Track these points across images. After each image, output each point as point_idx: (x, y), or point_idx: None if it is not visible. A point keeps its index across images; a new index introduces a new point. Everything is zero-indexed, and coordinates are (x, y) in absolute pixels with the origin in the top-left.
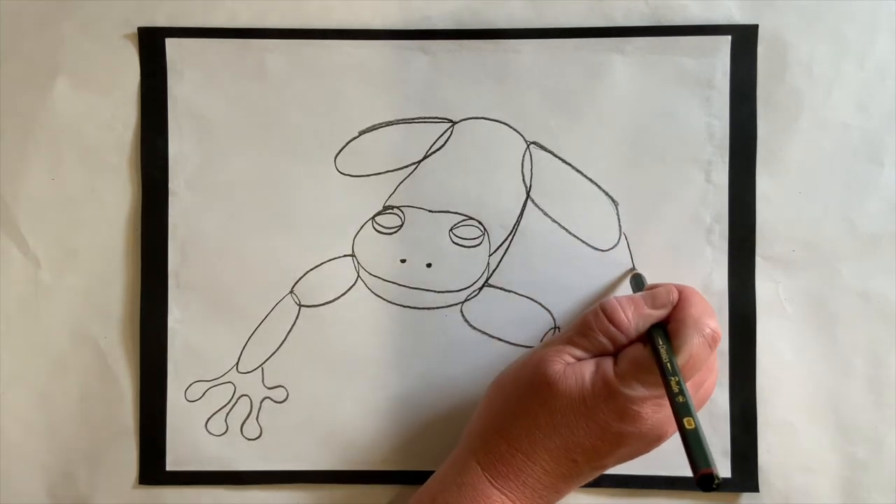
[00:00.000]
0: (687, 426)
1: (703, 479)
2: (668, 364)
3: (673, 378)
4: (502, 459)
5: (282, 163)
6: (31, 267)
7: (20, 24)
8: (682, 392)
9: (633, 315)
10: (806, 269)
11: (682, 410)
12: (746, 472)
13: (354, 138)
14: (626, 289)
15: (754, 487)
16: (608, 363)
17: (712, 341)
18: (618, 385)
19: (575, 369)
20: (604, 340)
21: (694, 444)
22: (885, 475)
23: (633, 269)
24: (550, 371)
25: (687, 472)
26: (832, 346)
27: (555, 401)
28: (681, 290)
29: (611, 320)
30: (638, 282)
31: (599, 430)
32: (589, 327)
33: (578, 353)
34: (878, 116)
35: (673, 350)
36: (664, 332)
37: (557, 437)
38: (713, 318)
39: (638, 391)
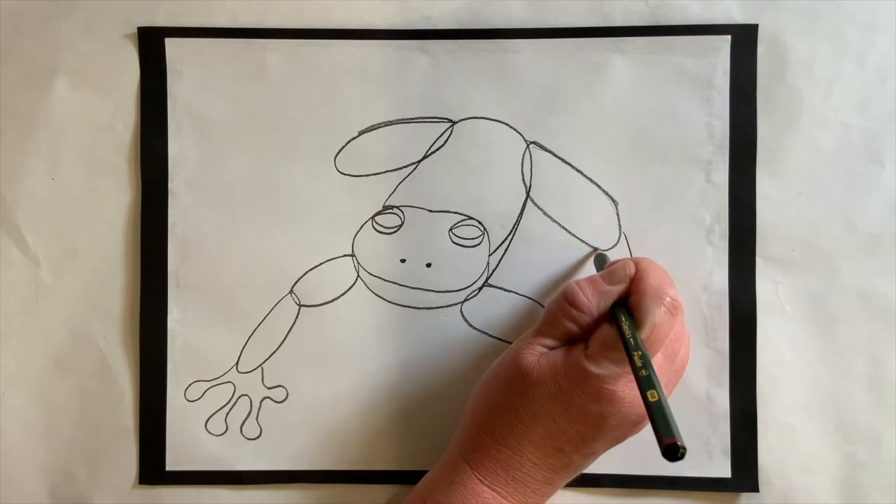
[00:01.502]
0: (650, 399)
1: (668, 449)
2: (631, 339)
3: (636, 353)
4: (489, 456)
5: (282, 163)
6: (31, 267)
7: (20, 23)
8: (644, 366)
9: (593, 294)
10: (806, 269)
11: (645, 383)
12: (746, 472)
13: (354, 138)
14: (590, 269)
15: (754, 487)
16: (579, 347)
17: (673, 309)
18: (589, 366)
19: (548, 358)
20: (570, 325)
21: (658, 416)
22: (884, 475)
23: (596, 249)
24: (525, 363)
25: (688, 471)
26: (832, 346)
27: (532, 391)
28: (638, 263)
29: (572, 304)
30: (601, 261)
31: (579, 414)
32: (554, 315)
33: (549, 342)
34: (878, 116)
35: (636, 323)
36: (626, 307)
37: (540, 428)
38: (672, 286)
39: (609, 369)
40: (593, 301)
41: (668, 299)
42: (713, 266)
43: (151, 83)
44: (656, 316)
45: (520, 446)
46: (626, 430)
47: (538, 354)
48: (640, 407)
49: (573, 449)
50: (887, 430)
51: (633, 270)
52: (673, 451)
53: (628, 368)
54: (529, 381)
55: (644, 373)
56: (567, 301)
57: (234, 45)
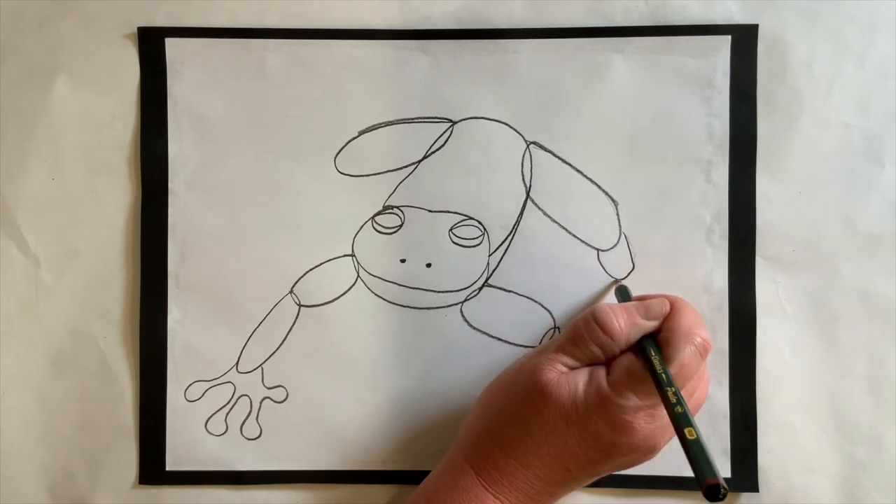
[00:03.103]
0: (689, 437)
1: (710, 490)
2: (663, 374)
3: (669, 389)
4: (496, 465)
5: (282, 163)
6: (31, 267)
7: (20, 23)
8: (679, 402)
9: (626, 324)
10: (806, 269)
11: (682, 421)
12: (746, 472)
13: (354, 138)
14: (609, 299)
15: (754, 487)
16: (601, 373)
17: (703, 350)
18: (611, 395)
19: (568, 378)
20: (595, 350)
21: (698, 455)
22: (885, 475)
23: (617, 280)
24: (544, 380)
25: (687, 471)
26: (832, 346)
27: (548, 409)
28: (672, 302)
29: (603, 329)
30: (623, 294)
31: (592, 440)
32: (580, 336)
33: (570, 361)
34: (878, 116)
35: (664, 360)
36: (654, 342)
37: (550, 446)
38: (704, 328)
39: (631, 401)
40: (625, 331)
41: (698, 339)
42: (713, 266)
43: (151, 83)
44: (685, 355)
45: (528, 460)
46: (635, 459)
47: (558, 373)
48: (652, 441)
49: (579, 469)
50: (887, 430)
51: (668, 309)
52: (715, 491)
53: (649, 402)
54: (547, 398)
55: (680, 410)
56: (598, 324)
57: (234, 45)
